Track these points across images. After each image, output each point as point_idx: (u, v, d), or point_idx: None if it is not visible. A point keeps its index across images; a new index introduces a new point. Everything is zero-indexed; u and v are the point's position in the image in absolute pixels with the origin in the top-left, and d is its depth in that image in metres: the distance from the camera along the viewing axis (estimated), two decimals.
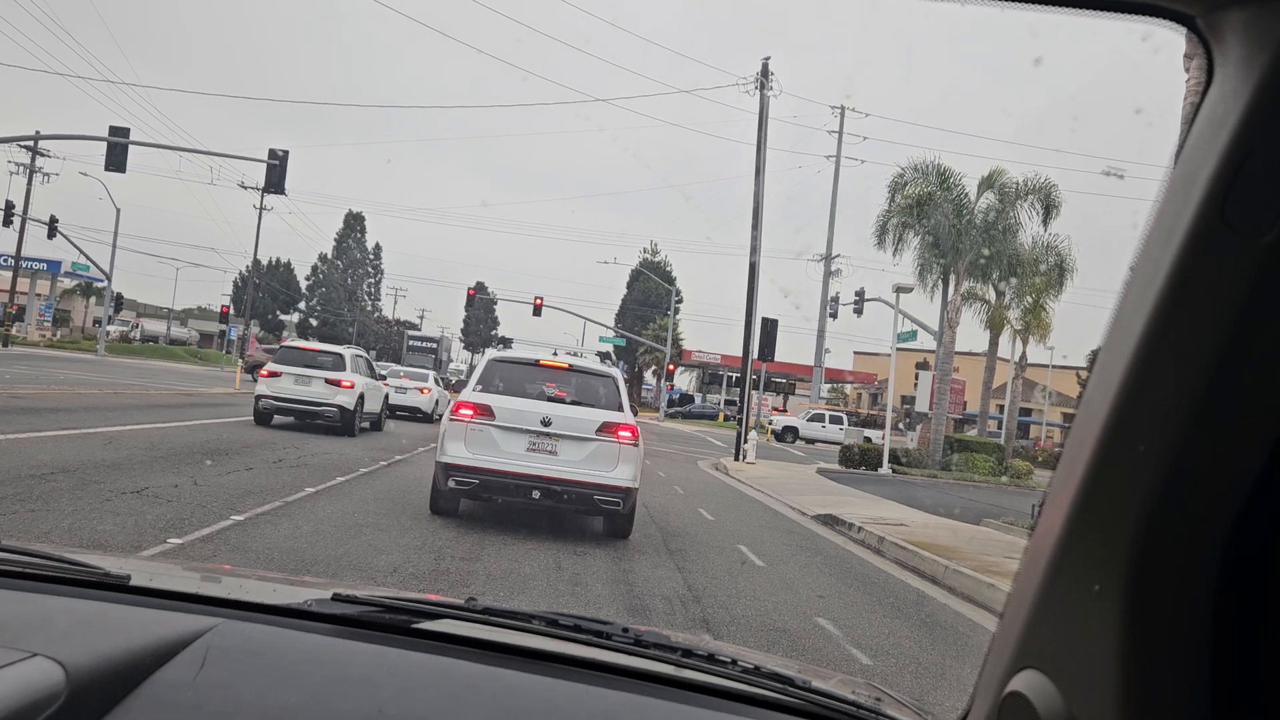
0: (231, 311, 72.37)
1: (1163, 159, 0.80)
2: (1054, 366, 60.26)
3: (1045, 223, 32.52)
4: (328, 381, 20.46)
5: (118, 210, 59.57)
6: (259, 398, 20.47)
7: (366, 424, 22.17)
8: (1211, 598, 0.75)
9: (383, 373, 27.46)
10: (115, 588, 1.58)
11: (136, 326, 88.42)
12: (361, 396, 21.21)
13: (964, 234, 31.93)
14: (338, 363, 21.11)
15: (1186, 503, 0.75)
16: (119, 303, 72.13)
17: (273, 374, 20.59)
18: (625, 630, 1.62)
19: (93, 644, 1.29)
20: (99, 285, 69.11)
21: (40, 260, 65.29)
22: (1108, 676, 0.79)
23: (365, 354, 24.72)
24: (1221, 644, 0.75)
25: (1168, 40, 0.78)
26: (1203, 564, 0.75)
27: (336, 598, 1.62)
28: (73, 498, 9.01)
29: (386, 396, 24.72)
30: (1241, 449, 0.73)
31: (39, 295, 70.99)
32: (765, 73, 32.27)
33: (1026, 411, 61.75)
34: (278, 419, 20.80)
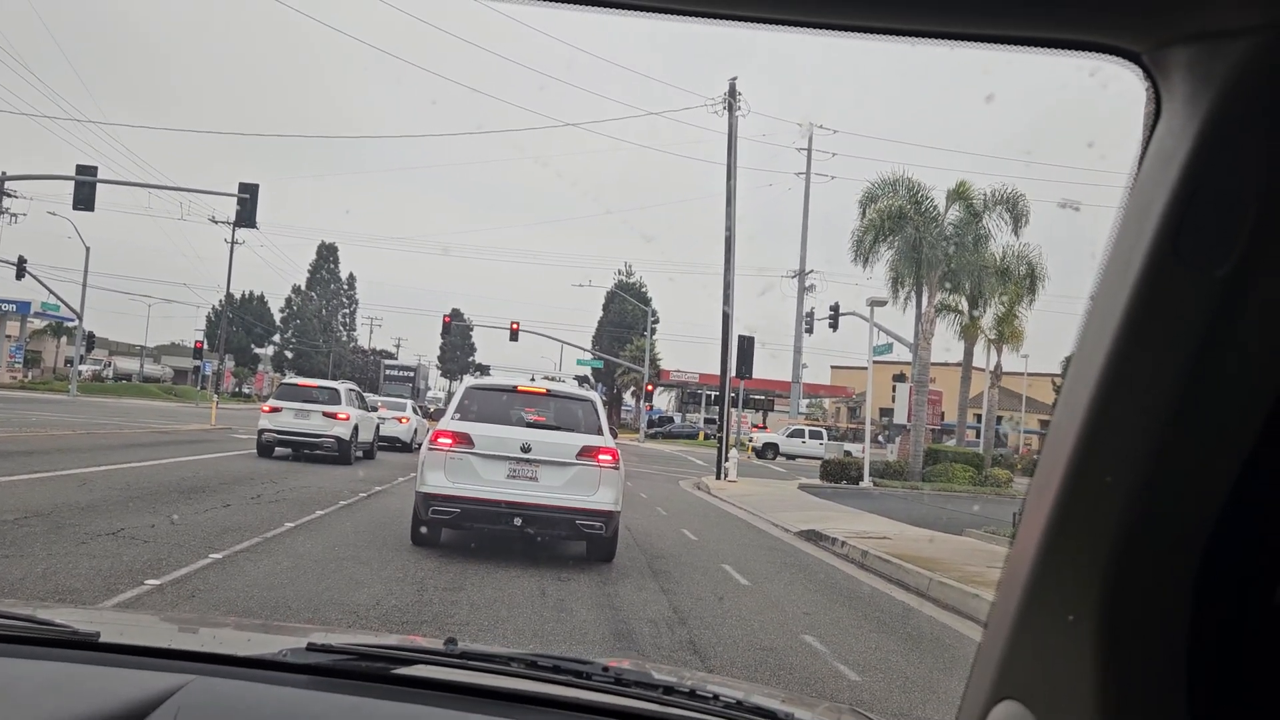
0: (205, 347, 71.71)
1: (1118, 190, 0.81)
2: (1029, 374, 60.72)
3: (1016, 231, 32.94)
4: (325, 415, 22.01)
5: (87, 249, 58.90)
6: (262, 431, 21.98)
7: (360, 453, 23.50)
8: (1186, 627, 0.75)
9: (375, 404, 28.75)
10: (84, 645, 1.54)
11: (109, 365, 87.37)
12: (356, 427, 22.77)
13: (935, 246, 32.22)
14: (333, 397, 22.72)
15: (1156, 533, 0.75)
16: (91, 342, 71.23)
17: (274, 409, 22.14)
18: (606, 669, 1.60)
19: (58, 709, 1.26)
20: (70, 325, 68.28)
21: (9, 301, 64.46)
22: (1086, 708, 0.78)
23: (358, 388, 26.31)
24: (1197, 673, 0.75)
25: (1115, 75, 0.78)
26: (1176, 593, 0.75)
27: (311, 647, 1.59)
28: (47, 542, 8.88)
29: (378, 426, 26.23)
30: (1207, 475, 0.73)
31: (9, 336, 70.05)
32: (733, 93, 32.46)
33: (1004, 420, 62.08)
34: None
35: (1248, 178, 0.67)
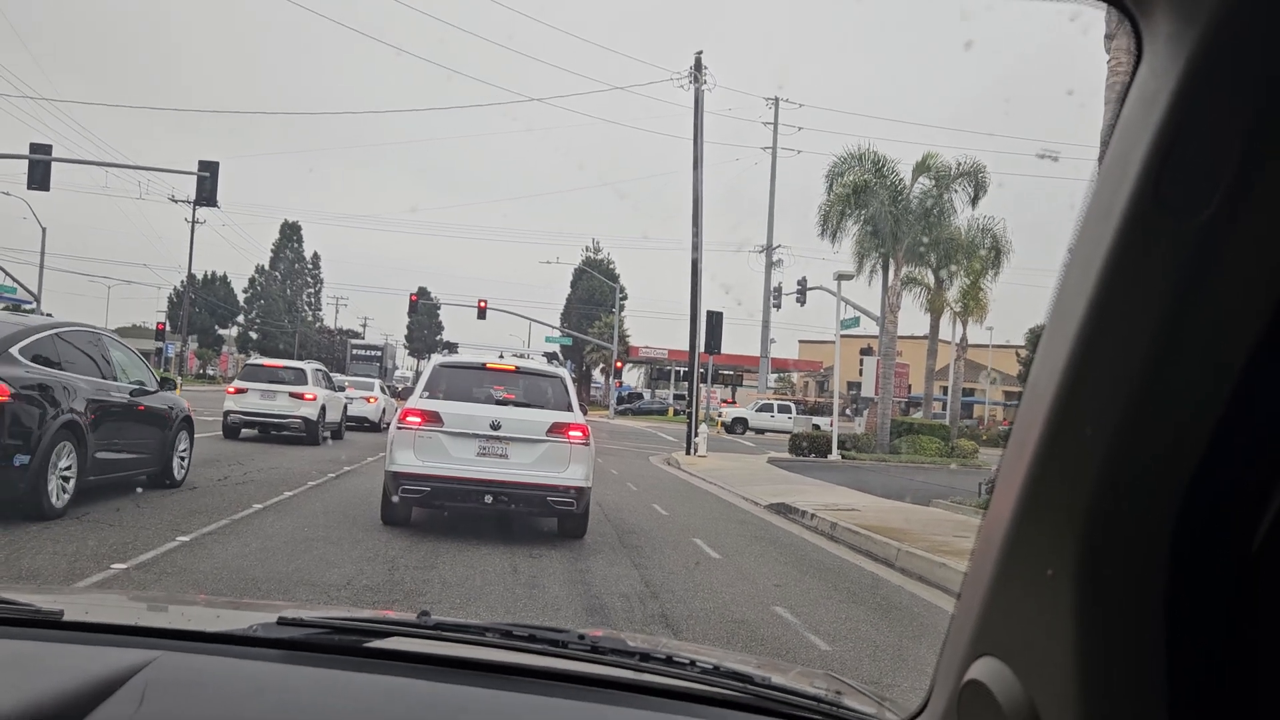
0: (168, 328, 70.73)
1: (1096, 139, 0.80)
2: (994, 346, 61.39)
3: (974, 202, 33.21)
4: (291, 395, 21.79)
5: (43, 229, 57.72)
6: (227, 413, 21.72)
7: (328, 433, 23.32)
8: (1163, 579, 0.75)
9: (342, 384, 28.51)
10: (48, 624, 1.51)
11: None
12: (324, 408, 22.57)
13: (900, 219, 32.39)
14: (300, 377, 22.48)
15: (1134, 484, 0.75)
16: None
17: (239, 390, 21.90)
18: (581, 637, 1.59)
19: (21, 687, 1.23)
20: (27, 308, 67.02)
21: None
22: (1065, 662, 0.78)
23: (324, 368, 26.03)
24: (1175, 625, 0.75)
25: (1095, 20, 0.77)
26: (1153, 545, 0.75)
27: (282, 621, 1.57)
28: (7, 528, 8.73)
29: (345, 406, 26.06)
30: (1185, 428, 0.73)
31: None
32: (699, 66, 32.34)
33: (969, 392, 62.81)
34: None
35: (1232, 117, 0.66)
